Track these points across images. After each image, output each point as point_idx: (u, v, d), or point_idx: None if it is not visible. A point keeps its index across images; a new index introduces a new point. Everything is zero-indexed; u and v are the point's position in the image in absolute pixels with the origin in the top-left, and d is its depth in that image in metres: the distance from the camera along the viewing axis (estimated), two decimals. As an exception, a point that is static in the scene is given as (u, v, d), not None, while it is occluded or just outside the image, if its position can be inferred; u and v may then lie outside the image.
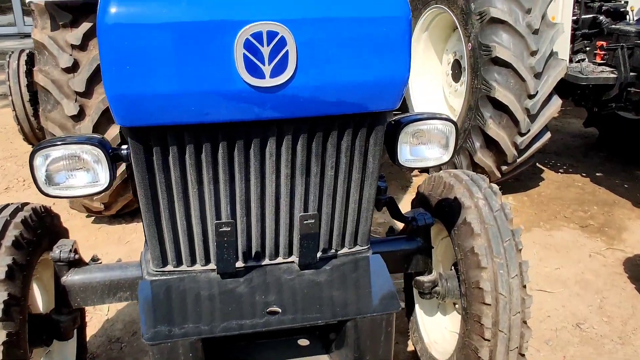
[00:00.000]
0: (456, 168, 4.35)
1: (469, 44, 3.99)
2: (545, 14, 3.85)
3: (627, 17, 4.31)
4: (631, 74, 3.86)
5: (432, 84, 4.96)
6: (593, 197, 4.55)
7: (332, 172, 1.62)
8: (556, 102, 3.99)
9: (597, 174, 5.02)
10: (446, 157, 1.82)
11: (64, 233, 2.29)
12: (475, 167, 4.22)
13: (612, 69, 4.06)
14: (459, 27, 4.13)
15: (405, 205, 3.57)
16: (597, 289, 3.32)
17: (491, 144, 4.05)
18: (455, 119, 4.30)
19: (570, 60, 4.30)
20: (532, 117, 3.93)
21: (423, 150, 1.80)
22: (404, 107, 5.11)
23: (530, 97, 3.85)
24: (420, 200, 2.46)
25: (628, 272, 3.49)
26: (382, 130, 1.62)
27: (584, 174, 5.01)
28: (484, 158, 4.13)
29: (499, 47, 3.75)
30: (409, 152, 1.78)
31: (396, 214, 2.23)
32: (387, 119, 1.62)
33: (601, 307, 3.13)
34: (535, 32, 3.78)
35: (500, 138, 3.96)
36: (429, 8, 4.50)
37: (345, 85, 1.45)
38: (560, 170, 5.12)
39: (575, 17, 4.18)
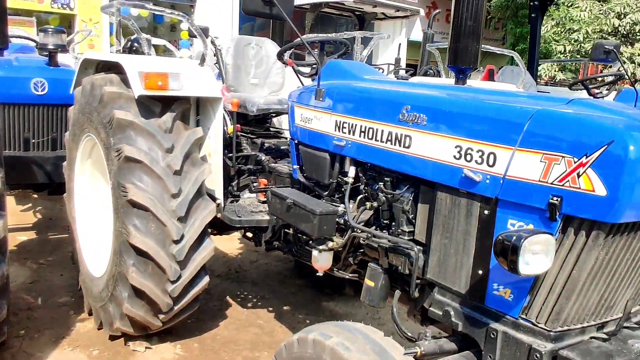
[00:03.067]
0: (111, 318, 3.82)
1: (110, 181, 3.58)
2: (191, 153, 3.62)
3: (291, 154, 4.32)
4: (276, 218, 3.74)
5: (102, 215, 4.43)
6: (270, 339, 4.29)
7: None
8: (209, 246, 3.70)
9: (284, 307, 4.84)
10: None
11: None
12: (130, 317, 3.70)
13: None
14: (105, 161, 3.72)
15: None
16: None
17: (140, 293, 3.58)
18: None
19: (237, 198, 4.13)
20: (181, 264, 3.57)
21: None
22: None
23: (176, 242, 3.50)
24: None
25: None
26: None
27: (271, 309, 4.79)
28: (134, 308, 3.62)
29: (134, 188, 3.38)
30: None
31: None
32: None
33: None
34: (177, 172, 3.50)
35: (147, 287, 3.52)
36: (84, 136, 4.05)
37: None
38: (249, 305, 4.86)
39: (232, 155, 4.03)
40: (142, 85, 3.42)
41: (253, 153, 4.18)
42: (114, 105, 3.56)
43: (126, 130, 3.48)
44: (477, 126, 2.33)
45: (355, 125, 2.97)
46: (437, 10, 8.85)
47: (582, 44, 11.55)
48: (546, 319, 2.16)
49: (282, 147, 4.24)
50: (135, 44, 4.57)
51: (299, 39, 3.36)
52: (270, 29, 7.03)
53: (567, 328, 2.18)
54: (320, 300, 5.01)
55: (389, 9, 8.94)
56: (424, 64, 7.77)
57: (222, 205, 3.85)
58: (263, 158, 4.11)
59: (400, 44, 12.58)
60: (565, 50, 11.57)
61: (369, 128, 2.88)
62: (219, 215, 3.81)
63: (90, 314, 4.33)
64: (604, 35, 11.45)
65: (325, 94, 3.19)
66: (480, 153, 2.30)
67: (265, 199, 4.03)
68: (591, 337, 2.24)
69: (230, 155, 3.97)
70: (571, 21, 11.75)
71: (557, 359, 2.09)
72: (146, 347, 3.98)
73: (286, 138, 4.42)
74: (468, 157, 2.35)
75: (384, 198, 2.87)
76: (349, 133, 3.02)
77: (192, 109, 3.88)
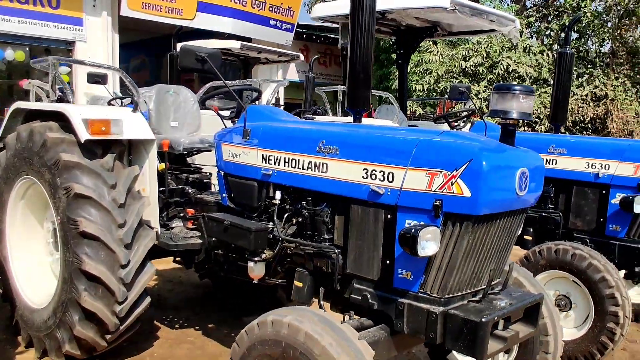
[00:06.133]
0: (59, 343, 4.14)
1: (58, 217, 3.99)
2: (131, 188, 4.13)
3: (212, 187, 4.94)
4: (212, 239, 4.32)
5: (37, 251, 4.74)
6: (202, 352, 4.81)
7: None
8: (150, 269, 4.21)
9: (210, 325, 5.36)
10: None
11: None
12: (79, 340, 4.07)
13: (200, 235, 4.51)
14: (49, 199, 4.11)
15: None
16: None
17: (90, 315, 3.99)
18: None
19: (168, 227, 4.66)
20: (128, 286, 4.04)
21: None
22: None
23: (123, 267, 3.98)
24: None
25: None
26: None
27: (197, 327, 5.30)
28: (85, 330, 4.02)
29: (85, 221, 3.84)
30: None
31: None
32: None
33: None
34: (122, 205, 4.00)
35: (98, 309, 3.94)
36: (20, 178, 4.39)
37: None
38: (177, 326, 5.32)
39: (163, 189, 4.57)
40: (88, 131, 3.91)
41: (179, 187, 4.74)
42: (58, 149, 4.00)
43: (72, 170, 3.92)
44: (379, 153, 3.17)
45: (280, 157, 3.70)
46: (316, 56, 9.94)
47: (437, 84, 13.30)
48: (437, 290, 3.00)
49: (204, 181, 4.85)
50: (60, 94, 4.96)
51: (210, 85, 4.04)
52: (155, 73, 7.56)
53: (452, 295, 3.04)
54: (241, 316, 5.58)
55: (272, 54, 9.88)
56: (308, 104, 8.72)
57: (159, 233, 4.37)
58: (189, 190, 4.69)
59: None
60: (423, 89, 13.22)
61: (292, 159, 3.63)
62: (156, 242, 4.32)
63: (27, 345, 4.57)
64: (455, 75, 13.27)
65: (252, 133, 3.89)
66: (382, 173, 3.13)
67: (194, 226, 4.60)
68: (468, 301, 3.12)
69: (162, 189, 4.51)
70: (426, 63, 13.47)
71: (446, 317, 2.93)
72: (90, 370, 4.33)
73: (206, 172, 5.03)
74: (373, 177, 3.17)
75: (306, 214, 3.61)
76: (275, 164, 3.74)
77: (125, 150, 4.38)
